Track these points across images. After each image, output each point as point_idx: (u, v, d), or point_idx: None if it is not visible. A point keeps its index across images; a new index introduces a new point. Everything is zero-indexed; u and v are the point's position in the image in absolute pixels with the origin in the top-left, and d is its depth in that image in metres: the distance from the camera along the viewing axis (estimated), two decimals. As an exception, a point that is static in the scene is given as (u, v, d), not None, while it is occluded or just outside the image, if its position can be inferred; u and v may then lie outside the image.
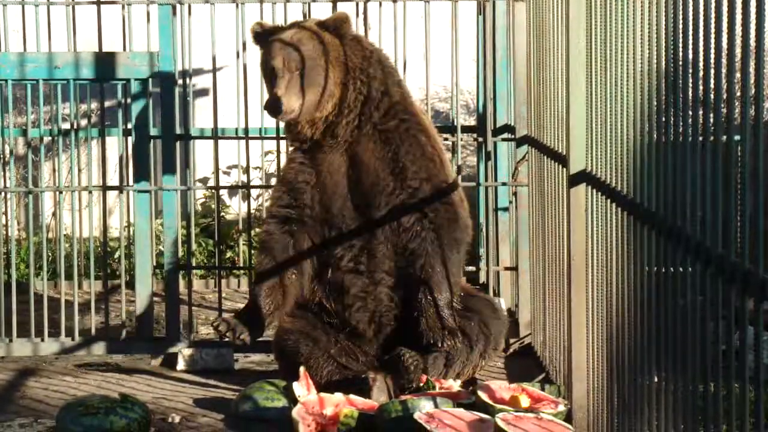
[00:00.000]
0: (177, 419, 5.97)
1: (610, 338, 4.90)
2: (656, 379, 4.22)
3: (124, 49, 7.85)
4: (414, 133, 6.29)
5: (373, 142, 6.25)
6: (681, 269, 3.89)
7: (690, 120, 3.81)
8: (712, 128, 3.58)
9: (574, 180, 5.43)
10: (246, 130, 7.37)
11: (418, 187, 6.20)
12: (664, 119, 4.11)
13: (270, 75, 6.18)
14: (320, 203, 6.25)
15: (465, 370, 6.30)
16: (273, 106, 6.09)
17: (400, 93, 6.36)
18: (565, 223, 5.59)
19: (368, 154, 6.25)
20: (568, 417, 5.54)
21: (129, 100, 7.00)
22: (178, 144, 7.16)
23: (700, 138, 3.70)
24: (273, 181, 9.55)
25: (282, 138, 7.45)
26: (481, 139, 8.22)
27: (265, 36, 6.29)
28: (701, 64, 3.65)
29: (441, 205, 6.20)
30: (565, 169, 5.62)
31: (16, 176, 9.58)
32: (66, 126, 7.88)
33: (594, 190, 5.18)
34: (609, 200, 4.88)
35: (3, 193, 7.33)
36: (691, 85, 3.79)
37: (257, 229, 6.91)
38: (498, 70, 7.82)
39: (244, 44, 7.27)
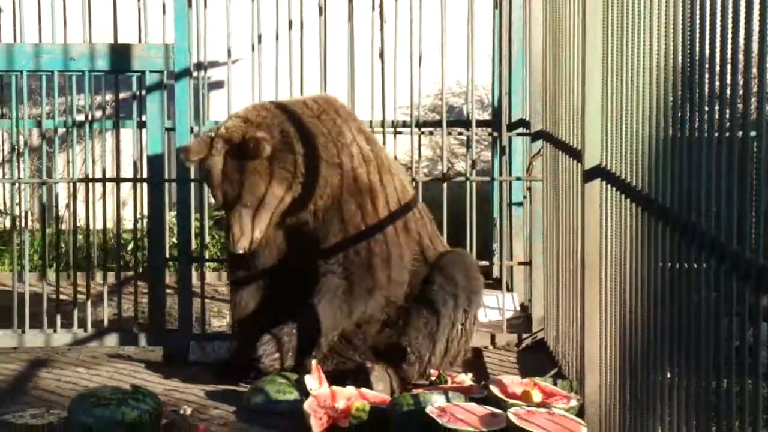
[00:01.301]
0: (188, 411, 5.97)
1: (623, 334, 4.89)
2: (669, 375, 4.20)
3: (140, 41, 7.87)
4: (344, 200, 6.31)
5: (308, 221, 6.35)
6: (695, 265, 3.88)
7: (706, 115, 3.79)
8: (728, 124, 3.56)
9: (589, 175, 5.41)
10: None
11: (334, 248, 6.34)
12: (680, 115, 4.09)
13: (218, 204, 6.34)
14: (270, 268, 6.47)
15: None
16: (233, 248, 6.21)
17: (336, 172, 6.29)
18: (580, 218, 5.58)
19: (302, 229, 6.37)
20: (581, 412, 5.53)
21: (144, 92, 7.00)
22: (192, 136, 7.16)
23: (716, 134, 3.68)
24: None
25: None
26: (495, 134, 8.20)
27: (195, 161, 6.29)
28: (718, 59, 3.63)
29: (355, 255, 6.31)
30: (579, 165, 5.60)
31: (30, 167, 9.60)
32: (81, 117, 7.88)
33: (608, 186, 5.16)
34: (623, 196, 4.86)
35: (17, 184, 7.33)
36: (707, 80, 3.77)
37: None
38: (513, 65, 7.81)
39: (259, 37, 7.27)
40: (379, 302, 6.36)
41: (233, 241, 6.18)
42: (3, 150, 9.52)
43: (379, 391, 6.05)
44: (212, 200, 10.28)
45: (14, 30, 8.44)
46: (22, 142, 7.37)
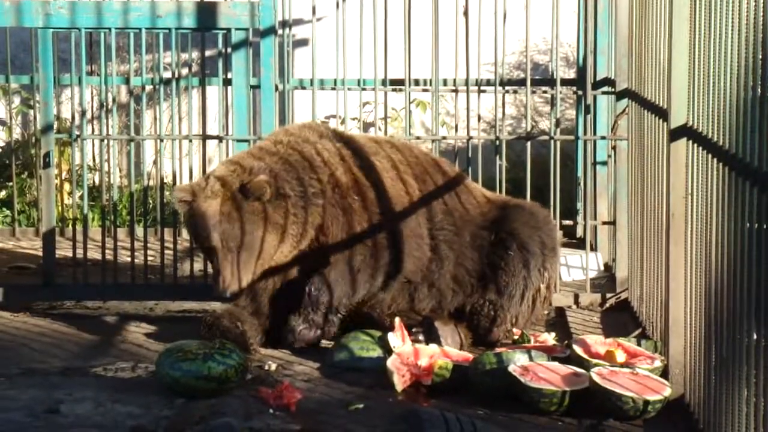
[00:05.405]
0: (273, 367, 6.05)
1: (708, 294, 4.85)
2: (756, 337, 4.17)
3: (225, -2, 7.90)
4: (330, 215, 6.31)
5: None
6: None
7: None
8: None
9: (675, 134, 5.36)
10: (344, 81, 7.41)
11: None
12: (769, 73, 4.03)
13: (206, 248, 6.20)
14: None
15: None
16: (218, 291, 6.18)
17: (319, 202, 6.27)
18: (665, 177, 5.54)
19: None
20: (665, 373, 5.51)
21: (229, 50, 7.05)
22: (276, 94, 7.20)
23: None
24: (371, 131, 9.58)
25: (381, 89, 7.51)
26: (580, 93, 8.15)
27: (190, 203, 6.17)
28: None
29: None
30: (665, 124, 5.55)
31: (118, 124, 9.72)
32: (167, 75, 7.96)
33: (695, 145, 5.12)
34: (710, 155, 4.82)
35: (106, 141, 7.44)
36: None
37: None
38: (599, 22, 7.74)
39: (343, -5, 7.28)
40: (387, 281, 6.38)
41: (222, 284, 6.11)
42: (92, 106, 9.65)
43: (448, 344, 6.11)
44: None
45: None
46: (110, 99, 7.46)
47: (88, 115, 9.52)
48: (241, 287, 6.18)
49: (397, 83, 7.81)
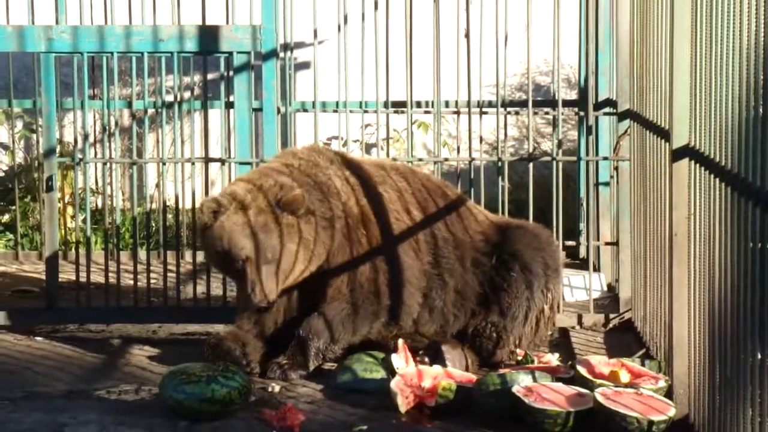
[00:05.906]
0: (277, 389, 6.04)
1: (712, 314, 4.85)
2: (760, 356, 4.16)
3: (227, 22, 7.93)
4: (340, 246, 6.31)
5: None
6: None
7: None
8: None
9: (677, 155, 5.37)
10: (346, 103, 7.43)
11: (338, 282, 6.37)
12: (770, 93, 4.04)
13: (238, 260, 6.10)
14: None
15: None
16: (255, 301, 6.10)
17: (330, 226, 6.27)
18: (668, 198, 5.54)
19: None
20: (669, 393, 5.50)
21: (231, 73, 7.07)
22: (278, 117, 7.21)
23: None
24: (373, 153, 9.60)
25: (382, 111, 7.52)
26: (582, 114, 8.16)
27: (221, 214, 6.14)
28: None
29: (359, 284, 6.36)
30: (667, 144, 5.56)
31: (121, 147, 9.74)
32: (170, 98, 7.98)
33: (697, 165, 5.13)
34: (712, 175, 4.83)
35: (108, 164, 7.45)
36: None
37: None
38: (600, 44, 7.76)
39: (345, 17, 7.30)
40: (384, 322, 6.38)
41: (260, 293, 6.05)
42: (94, 130, 9.66)
43: (455, 368, 6.10)
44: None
45: (105, 12, 8.55)
46: (113, 123, 7.46)
47: (91, 139, 9.54)
48: (273, 298, 6.13)
49: (399, 105, 7.83)
